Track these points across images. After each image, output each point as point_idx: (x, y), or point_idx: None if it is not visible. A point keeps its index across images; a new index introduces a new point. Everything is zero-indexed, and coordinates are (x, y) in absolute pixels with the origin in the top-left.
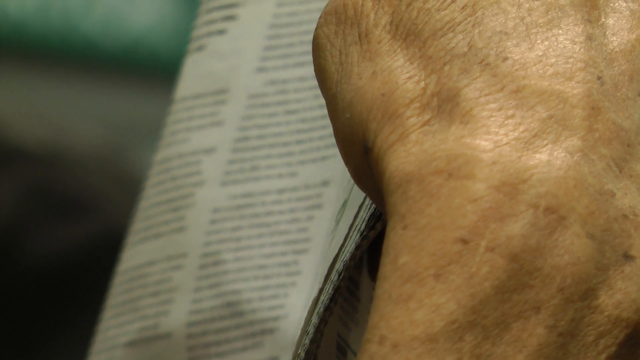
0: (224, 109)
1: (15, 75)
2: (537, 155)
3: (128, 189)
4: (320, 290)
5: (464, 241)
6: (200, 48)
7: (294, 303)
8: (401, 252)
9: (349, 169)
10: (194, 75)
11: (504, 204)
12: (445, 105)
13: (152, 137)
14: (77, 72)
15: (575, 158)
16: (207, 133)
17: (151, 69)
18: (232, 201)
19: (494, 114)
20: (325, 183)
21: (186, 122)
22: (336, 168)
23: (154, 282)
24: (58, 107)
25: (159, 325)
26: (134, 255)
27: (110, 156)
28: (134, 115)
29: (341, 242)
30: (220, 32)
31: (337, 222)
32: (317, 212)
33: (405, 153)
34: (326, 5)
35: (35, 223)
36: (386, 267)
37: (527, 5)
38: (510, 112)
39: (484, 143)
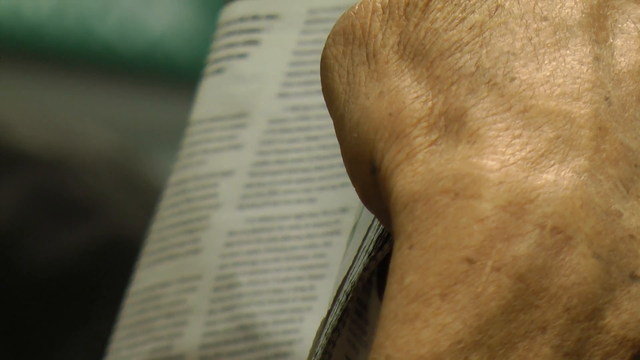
0: (243, 133)
1: (29, 79)
2: (544, 175)
3: (136, 194)
4: (329, 312)
5: (470, 261)
6: (219, 71)
7: (310, 328)
8: (407, 272)
9: (356, 189)
10: (212, 97)
11: (511, 224)
12: (453, 125)
13: (164, 142)
14: (92, 76)
15: (582, 178)
16: (225, 156)
17: (167, 73)
18: (249, 225)
19: (501, 133)
20: (343, 210)
21: (203, 144)
22: (355, 195)
23: (167, 304)
24: (71, 111)
25: (172, 346)
26: (148, 276)
27: (121, 161)
28: (148, 119)
29: (350, 263)
30: (242, 56)
31: (347, 244)
32: (335, 238)
33: (412, 172)
34: (334, 25)
35: (38, 227)
36: (392, 286)
37: (535, 25)
38: (517, 132)
39: (490, 163)
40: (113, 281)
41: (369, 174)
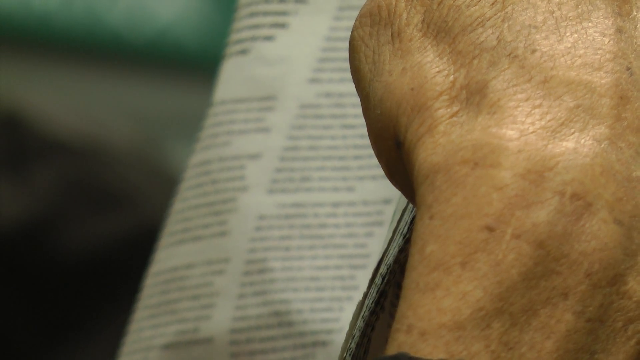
0: (270, 116)
1: (40, 69)
2: (564, 143)
3: (161, 183)
4: (365, 295)
5: (490, 229)
6: (243, 52)
7: (350, 317)
8: (428, 242)
9: (382, 166)
10: (235, 78)
11: (530, 192)
12: (474, 97)
13: (176, 130)
14: (102, 65)
15: (603, 145)
16: (252, 138)
17: (176, 61)
18: (280, 210)
19: (521, 104)
20: (386, 201)
21: (227, 125)
22: None
23: (193, 286)
24: (86, 101)
25: (199, 329)
26: (170, 257)
27: (143, 150)
28: (159, 108)
29: (386, 246)
30: (268, 38)
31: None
32: (377, 229)
33: (433, 144)
34: (362, 8)
35: (72, 215)
36: (414, 256)
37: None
38: (537, 102)
39: (510, 132)
40: (143, 268)
41: (393, 149)
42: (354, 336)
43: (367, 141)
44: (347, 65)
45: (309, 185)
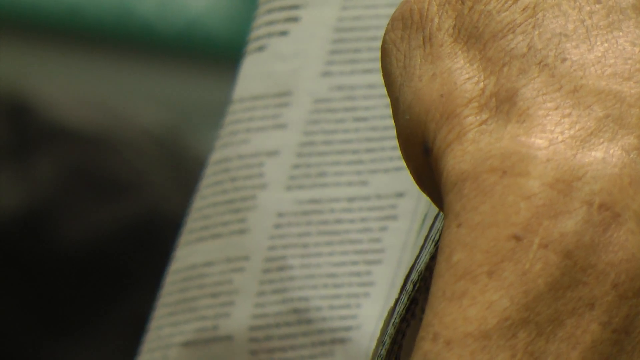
0: (287, 112)
1: (70, 58)
2: (592, 153)
3: (176, 171)
4: (397, 301)
5: (517, 238)
6: (260, 49)
7: (367, 314)
8: (455, 250)
9: (409, 171)
10: (253, 75)
11: (558, 201)
12: (503, 105)
13: (204, 120)
14: (132, 55)
15: (631, 156)
16: (269, 135)
17: (206, 52)
18: (298, 206)
19: (550, 112)
20: (400, 194)
21: (246, 123)
22: (411, 180)
23: (212, 283)
24: (113, 90)
25: (219, 326)
26: (189, 255)
27: (163, 138)
28: (188, 97)
29: (417, 252)
30: (282, 33)
31: (417, 233)
32: (392, 223)
33: (462, 152)
34: (394, 11)
35: (75, 203)
36: (441, 264)
37: (588, 8)
38: (567, 111)
39: (539, 141)
40: (149, 258)
41: (421, 156)
42: (384, 343)
43: (379, 134)
44: (356, 57)
45: (324, 180)
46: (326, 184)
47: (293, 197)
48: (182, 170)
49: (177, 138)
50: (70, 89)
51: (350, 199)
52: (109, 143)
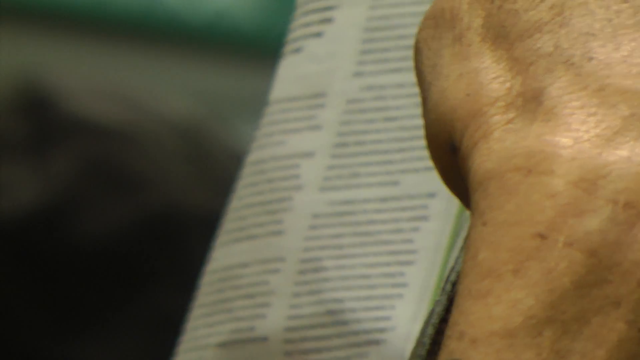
0: (321, 113)
1: (92, 49)
2: (618, 152)
3: (199, 165)
4: (436, 302)
5: (542, 237)
6: (297, 50)
7: (401, 315)
8: (480, 249)
9: (437, 171)
10: (289, 77)
11: (583, 200)
12: (529, 104)
13: (231, 112)
14: (158, 46)
15: None
16: (304, 137)
17: (234, 43)
18: (332, 208)
19: (575, 111)
20: (431, 195)
21: (282, 124)
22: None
23: (248, 284)
24: (136, 81)
25: (255, 328)
26: (225, 256)
27: (186, 131)
28: (214, 89)
29: (457, 253)
30: (317, 34)
31: (455, 235)
32: (423, 223)
33: (488, 151)
34: (427, 9)
35: (92, 197)
36: (466, 263)
37: (616, 7)
38: (592, 110)
39: (563, 140)
40: (168, 255)
41: (448, 155)
42: (424, 343)
43: (409, 133)
44: (385, 56)
45: (357, 181)
46: (359, 184)
47: (327, 198)
48: (205, 164)
49: (201, 131)
50: (92, 81)
51: (383, 200)
52: (131, 136)
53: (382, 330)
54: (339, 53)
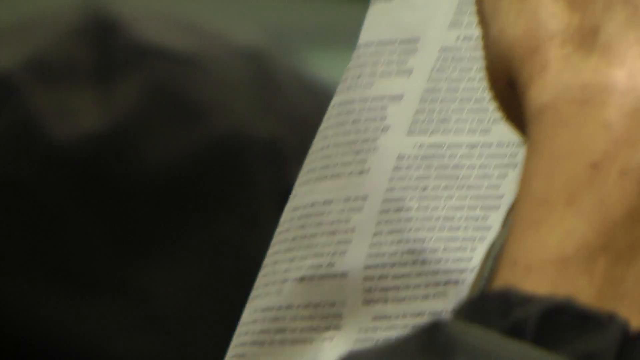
0: (412, 59)
1: None
2: None
3: (265, 93)
4: (498, 234)
5: (596, 166)
6: None
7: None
8: (534, 178)
9: (496, 106)
10: (380, 22)
11: (636, 130)
12: (586, 39)
13: (299, 41)
14: None
15: None
16: (394, 80)
17: None
18: (418, 150)
19: (632, 46)
20: (522, 144)
21: (371, 67)
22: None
23: (330, 221)
24: (203, 8)
25: (335, 264)
26: (308, 193)
27: (253, 58)
28: (283, 17)
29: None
30: None
31: None
32: (511, 171)
33: (544, 84)
34: None
35: (157, 125)
36: (521, 193)
37: None
38: None
39: (619, 72)
40: (230, 181)
41: (507, 89)
42: (484, 275)
43: None
44: None
45: (446, 126)
46: (448, 130)
47: (414, 141)
48: (272, 92)
49: (269, 59)
50: (159, 7)
51: (472, 146)
52: (197, 62)
53: (462, 271)
54: (437, 3)
